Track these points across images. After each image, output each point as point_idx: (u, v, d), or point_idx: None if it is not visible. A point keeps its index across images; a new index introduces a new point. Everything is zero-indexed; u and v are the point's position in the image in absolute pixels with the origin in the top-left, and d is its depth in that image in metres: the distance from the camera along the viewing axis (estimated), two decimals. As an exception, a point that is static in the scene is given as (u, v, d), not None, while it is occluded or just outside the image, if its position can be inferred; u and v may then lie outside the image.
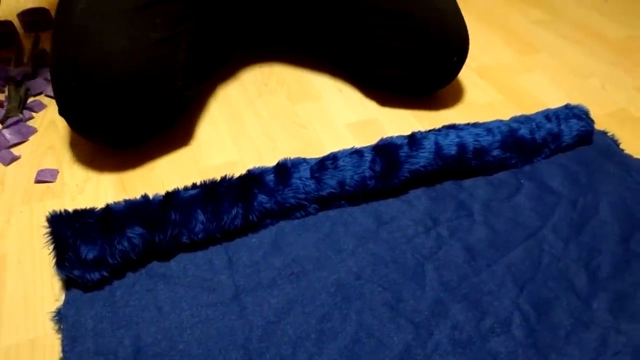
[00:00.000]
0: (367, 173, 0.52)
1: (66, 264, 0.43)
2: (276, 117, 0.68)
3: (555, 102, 0.68)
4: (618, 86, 0.75)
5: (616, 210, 0.54)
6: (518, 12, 0.97)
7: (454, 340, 0.42)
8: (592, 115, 0.63)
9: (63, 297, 0.44)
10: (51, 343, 0.41)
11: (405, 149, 0.53)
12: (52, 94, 0.69)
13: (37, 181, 0.56)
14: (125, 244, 0.44)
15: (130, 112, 0.53)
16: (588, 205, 0.55)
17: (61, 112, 0.54)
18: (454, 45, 0.64)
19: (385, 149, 0.53)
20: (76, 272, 0.43)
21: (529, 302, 0.46)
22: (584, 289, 0.47)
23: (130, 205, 0.46)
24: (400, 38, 0.64)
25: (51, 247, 0.44)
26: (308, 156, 0.54)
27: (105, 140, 0.57)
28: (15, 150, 0.60)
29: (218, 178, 0.50)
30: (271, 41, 0.81)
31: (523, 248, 0.51)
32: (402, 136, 0.55)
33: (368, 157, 0.53)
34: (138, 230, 0.45)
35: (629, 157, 0.61)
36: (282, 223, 0.51)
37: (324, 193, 0.51)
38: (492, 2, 1.01)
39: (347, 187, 0.52)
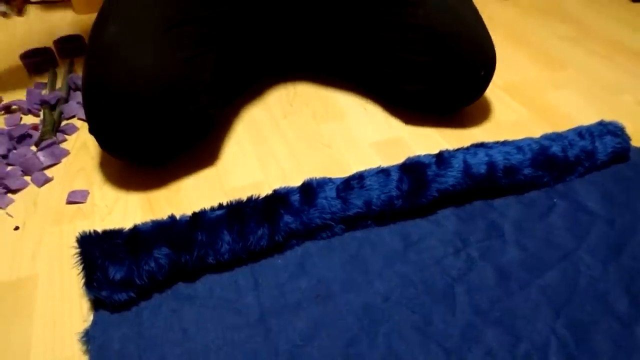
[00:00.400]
0: (394, 192, 0.51)
1: (94, 284, 0.43)
2: (301, 137, 0.68)
3: (586, 119, 0.66)
4: (653, 102, 0.73)
5: (657, 230, 0.52)
6: (544, 28, 0.95)
7: (488, 366, 0.41)
8: (628, 131, 0.61)
9: (91, 318, 0.44)
10: (79, 364, 0.41)
11: (433, 168, 0.52)
12: (84, 116, 0.71)
13: (69, 202, 0.57)
14: (152, 264, 0.44)
15: (156, 129, 0.54)
16: (626, 225, 0.53)
17: (91, 131, 0.56)
18: (481, 59, 0.64)
19: (413, 168, 0.52)
20: (104, 293, 0.43)
21: (566, 326, 0.43)
22: (625, 313, 0.44)
23: (157, 225, 0.47)
24: (425, 52, 0.63)
25: (80, 267, 0.44)
26: (333, 176, 0.54)
27: (132, 157, 0.58)
28: (48, 172, 0.62)
29: (244, 198, 0.50)
30: (295, 64, 0.82)
31: (558, 269, 0.49)
32: (430, 155, 0.54)
33: (395, 176, 0.52)
34: (165, 250, 0.45)
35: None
36: (307, 244, 0.51)
37: (350, 213, 0.50)
38: (517, 18, 1.00)
39: (373, 207, 0.51)
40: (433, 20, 0.62)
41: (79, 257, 0.44)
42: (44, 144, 0.64)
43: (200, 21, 0.59)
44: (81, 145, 0.67)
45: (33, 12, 1.09)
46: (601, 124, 0.62)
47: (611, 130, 0.61)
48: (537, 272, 0.48)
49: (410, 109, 0.71)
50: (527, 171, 0.55)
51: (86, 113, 0.55)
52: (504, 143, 0.57)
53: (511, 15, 1.01)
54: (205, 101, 0.58)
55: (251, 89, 0.78)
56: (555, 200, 0.56)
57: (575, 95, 0.75)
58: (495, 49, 0.66)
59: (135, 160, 0.60)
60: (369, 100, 0.75)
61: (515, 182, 0.55)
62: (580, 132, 0.60)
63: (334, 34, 0.73)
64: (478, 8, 0.66)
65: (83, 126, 0.70)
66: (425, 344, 0.42)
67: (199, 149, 0.65)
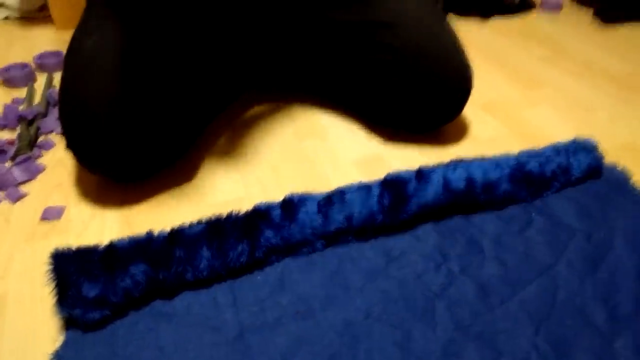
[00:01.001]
0: (375, 207, 0.51)
1: (68, 301, 0.42)
2: (283, 153, 0.68)
3: (562, 136, 0.68)
4: (625, 120, 0.75)
5: (632, 245, 0.53)
6: (521, 49, 0.98)
7: (469, 382, 0.40)
8: (601, 148, 0.63)
9: (62, 338, 0.43)
10: (49, 386, 0.40)
11: (413, 183, 0.53)
12: (61, 132, 0.70)
13: (43, 218, 0.56)
14: (128, 281, 0.43)
15: (134, 146, 0.54)
16: (602, 240, 0.54)
17: (68, 145, 0.55)
18: (458, 80, 0.65)
19: (393, 184, 0.53)
20: (77, 311, 0.42)
21: (547, 340, 0.44)
22: (604, 327, 0.45)
23: (134, 242, 0.46)
24: (403, 73, 0.64)
25: (53, 284, 0.43)
26: (315, 192, 0.54)
27: (109, 173, 0.57)
28: (23, 188, 0.60)
29: (224, 214, 0.50)
30: (277, 82, 0.82)
31: (537, 284, 0.49)
32: (410, 171, 0.55)
33: (376, 191, 0.52)
34: (142, 267, 0.44)
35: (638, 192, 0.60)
36: (288, 260, 0.50)
37: (331, 228, 0.50)
38: (495, 40, 1.02)
39: (354, 222, 0.51)
40: (411, 42, 0.64)
41: (52, 274, 0.43)
42: (19, 159, 0.63)
43: (182, 36, 0.59)
44: (58, 161, 0.66)
45: (13, 27, 1.08)
46: (575, 141, 0.63)
47: (585, 147, 0.62)
48: (516, 286, 0.49)
49: (391, 127, 0.72)
50: (505, 187, 0.56)
51: (63, 129, 0.55)
52: (483, 159, 0.58)
53: (489, 36, 1.04)
54: (185, 118, 0.58)
55: (233, 106, 0.78)
56: (533, 215, 0.57)
57: (551, 113, 0.77)
58: (474, 68, 0.67)
59: (112, 176, 0.59)
60: (350, 119, 0.75)
61: (494, 197, 0.56)
62: (556, 149, 0.61)
63: (317, 55, 0.74)
64: (457, 29, 0.68)
65: (60, 142, 0.69)
66: (406, 359, 0.42)
67: (179, 164, 0.64)
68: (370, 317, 0.45)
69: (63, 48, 0.92)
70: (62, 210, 0.57)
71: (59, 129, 0.71)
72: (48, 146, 0.68)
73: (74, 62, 0.54)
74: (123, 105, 0.52)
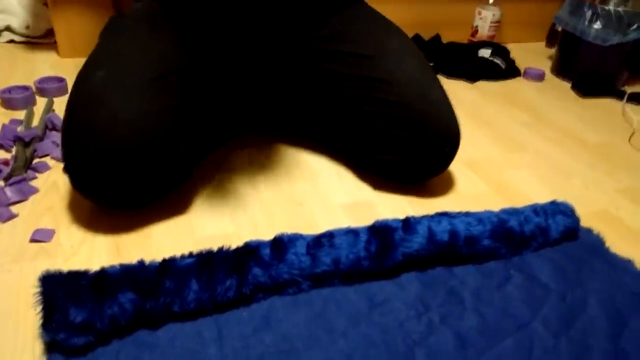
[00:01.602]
0: (362, 253, 0.53)
1: (53, 325, 0.42)
2: (274, 193, 0.70)
3: (540, 198, 0.71)
4: (599, 187, 0.79)
5: (605, 307, 0.55)
6: (505, 114, 1.04)
7: None
8: (577, 213, 0.66)
9: (43, 362, 0.42)
10: (24, 411, 0.39)
11: (400, 232, 0.55)
12: (57, 156, 0.71)
13: (32, 240, 0.56)
14: (116, 309, 0.44)
15: (134, 176, 0.55)
16: (577, 300, 0.56)
17: (65, 169, 0.56)
18: (447, 136, 0.68)
19: (381, 231, 0.55)
20: (62, 335, 0.42)
21: (521, 396, 0.45)
22: (575, 385, 0.46)
23: (125, 269, 0.46)
24: (396, 127, 0.68)
25: (39, 307, 0.43)
26: (304, 232, 0.55)
27: (104, 200, 0.58)
28: (14, 209, 0.61)
29: (214, 248, 0.51)
30: (272, 125, 0.85)
31: (514, 339, 0.50)
32: (397, 219, 0.57)
33: (364, 237, 0.54)
34: (130, 295, 0.44)
35: (614, 255, 0.63)
36: (274, 298, 0.51)
37: (318, 270, 0.52)
38: (481, 103, 1.08)
39: (341, 266, 0.52)
40: (405, 98, 0.68)
41: (40, 296, 0.43)
42: (13, 179, 0.64)
43: (184, 74, 0.62)
44: (51, 184, 0.66)
45: (17, 50, 1.10)
46: (554, 203, 0.67)
47: (562, 210, 0.66)
48: (494, 340, 0.50)
49: (381, 176, 0.75)
50: (486, 242, 0.58)
51: (63, 153, 0.56)
52: (467, 214, 0.61)
53: (475, 98, 1.10)
54: (183, 151, 0.60)
55: (228, 144, 0.80)
56: (511, 272, 0.59)
57: (531, 175, 0.81)
58: (460, 127, 0.71)
59: (106, 203, 0.59)
60: (341, 165, 0.78)
61: (475, 251, 0.58)
62: (535, 210, 0.65)
63: (311, 102, 0.78)
64: (446, 89, 0.72)
65: (55, 165, 0.70)
66: (385, 406, 0.42)
67: (172, 196, 0.65)
68: (352, 360, 0.46)
69: (65, 74, 0.95)
70: (52, 233, 0.57)
71: (54, 152, 0.72)
72: (43, 169, 0.69)
73: (82, 92, 0.56)
74: (126, 136, 0.54)
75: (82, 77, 0.58)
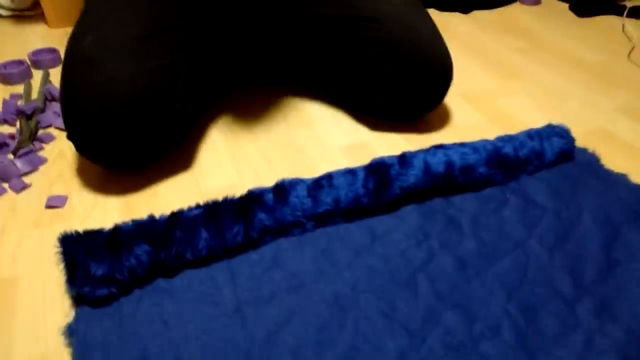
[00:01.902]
0: (361, 191, 0.55)
1: (77, 281, 0.45)
2: (274, 142, 0.71)
3: (536, 123, 0.72)
4: (596, 107, 0.80)
5: (598, 220, 0.57)
6: (498, 42, 1.02)
7: (447, 345, 0.45)
8: (573, 133, 0.67)
9: (73, 314, 0.46)
10: (61, 357, 0.43)
11: (396, 167, 0.57)
12: (60, 126, 0.73)
13: (48, 206, 0.59)
14: (133, 260, 0.47)
15: (133, 135, 0.57)
16: (571, 216, 0.58)
17: (69, 137, 0.58)
18: (438, 70, 0.69)
19: (377, 168, 0.56)
20: (86, 289, 0.45)
21: (517, 307, 0.48)
22: (569, 294, 0.49)
23: (137, 224, 0.49)
24: (387, 65, 0.68)
25: (62, 266, 0.46)
26: (305, 177, 0.57)
27: (109, 162, 0.61)
28: (26, 179, 0.63)
29: (220, 198, 0.53)
30: (266, 75, 0.86)
31: (510, 258, 0.53)
32: (393, 156, 0.59)
33: (361, 175, 0.56)
34: (145, 247, 0.47)
35: (609, 172, 0.65)
36: (281, 240, 0.54)
37: (320, 210, 0.54)
38: (476, 33, 1.06)
39: (342, 205, 0.55)
40: (394, 35, 0.67)
41: (62, 256, 0.46)
42: (21, 152, 0.66)
43: (175, 30, 0.62)
44: (58, 153, 0.69)
45: (5, 25, 1.10)
46: (549, 126, 0.68)
47: (558, 133, 0.66)
48: (491, 260, 0.53)
49: (376, 116, 0.75)
50: (482, 170, 0.60)
51: (65, 120, 0.58)
52: (462, 144, 0.62)
53: (470, 29, 1.08)
54: (180, 108, 0.61)
55: (224, 100, 0.81)
56: (508, 196, 0.61)
57: (527, 101, 0.81)
58: (454, 59, 0.71)
59: (112, 165, 0.62)
60: (337, 108, 0.79)
61: (471, 179, 0.60)
62: (530, 134, 0.66)
63: (302, 48, 0.78)
64: (438, 22, 0.72)
65: (60, 135, 0.72)
66: (390, 326, 0.46)
67: (175, 154, 0.67)
68: (357, 289, 0.49)
69: (56, 45, 0.95)
70: (65, 199, 0.60)
71: (57, 122, 0.74)
72: (48, 139, 0.71)
73: (74, 59, 0.57)
74: (122, 97, 0.55)
75: (72, 43, 0.59)
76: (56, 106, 0.77)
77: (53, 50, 0.93)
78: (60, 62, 0.92)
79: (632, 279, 0.50)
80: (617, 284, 0.50)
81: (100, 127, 0.55)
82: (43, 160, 0.66)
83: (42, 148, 0.69)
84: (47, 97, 0.79)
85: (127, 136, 0.57)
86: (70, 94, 0.56)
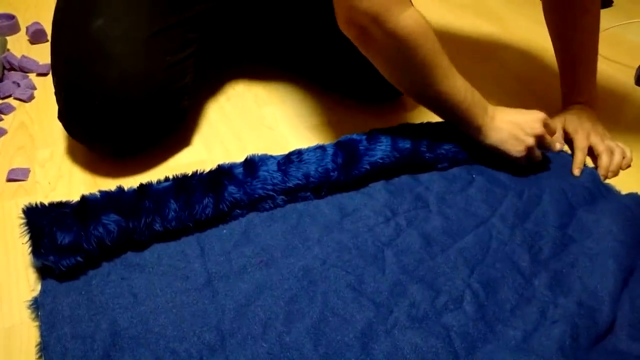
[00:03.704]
0: (330, 165, 0.56)
1: (42, 250, 0.44)
2: (244, 119, 0.71)
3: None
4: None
5: (557, 201, 0.60)
6: (469, 25, 1.04)
7: (411, 316, 0.46)
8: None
9: (39, 287, 0.45)
10: (27, 330, 0.43)
11: (364, 143, 0.58)
12: (21, 96, 0.70)
13: (9, 180, 0.57)
14: (101, 229, 0.46)
15: (140, 129, 0.57)
16: (533, 196, 0.60)
17: (64, 121, 0.57)
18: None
19: (346, 144, 0.57)
20: (51, 258, 0.44)
21: (479, 281, 0.50)
22: (527, 269, 0.52)
23: (105, 195, 0.48)
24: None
25: (27, 237, 0.45)
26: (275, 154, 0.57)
27: (104, 150, 0.60)
28: (-16, 150, 0.61)
29: (189, 172, 0.53)
30: (238, 53, 0.84)
31: (474, 234, 0.55)
32: (362, 133, 0.60)
33: (330, 151, 0.57)
34: (113, 217, 0.47)
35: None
36: (251, 215, 0.54)
37: (290, 184, 0.54)
38: (447, 15, 1.08)
39: (311, 179, 0.55)
40: None
41: (26, 227, 0.45)
42: (-21, 122, 0.63)
43: (184, 24, 0.61)
44: (19, 124, 0.66)
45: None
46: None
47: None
48: (456, 237, 0.55)
49: (348, 97, 0.76)
50: (447, 146, 0.62)
51: (65, 105, 0.56)
52: (429, 123, 0.64)
53: (441, 12, 1.09)
54: (187, 105, 0.62)
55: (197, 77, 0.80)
56: (474, 175, 0.63)
57: (495, 86, 0.83)
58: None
59: (106, 153, 0.61)
60: (307, 87, 0.79)
61: (438, 156, 0.61)
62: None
63: (280, 28, 0.77)
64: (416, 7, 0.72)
65: (20, 105, 0.69)
66: (358, 299, 0.47)
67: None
68: (327, 264, 0.50)
69: (13, 10, 0.90)
70: (27, 172, 0.58)
71: (17, 93, 0.71)
72: (7, 110, 0.68)
73: (83, 41, 0.55)
74: (137, 94, 0.55)
75: (77, 23, 0.57)
76: (15, 75, 0.74)
77: (11, 17, 0.88)
78: (18, 30, 0.88)
79: (585, 255, 0.52)
80: (571, 260, 0.53)
81: (109, 121, 0.55)
82: (3, 132, 0.64)
83: (1, 119, 0.66)
84: (5, 66, 0.76)
85: (134, 130, 0.57)
86: (79, 83, 0.55)
